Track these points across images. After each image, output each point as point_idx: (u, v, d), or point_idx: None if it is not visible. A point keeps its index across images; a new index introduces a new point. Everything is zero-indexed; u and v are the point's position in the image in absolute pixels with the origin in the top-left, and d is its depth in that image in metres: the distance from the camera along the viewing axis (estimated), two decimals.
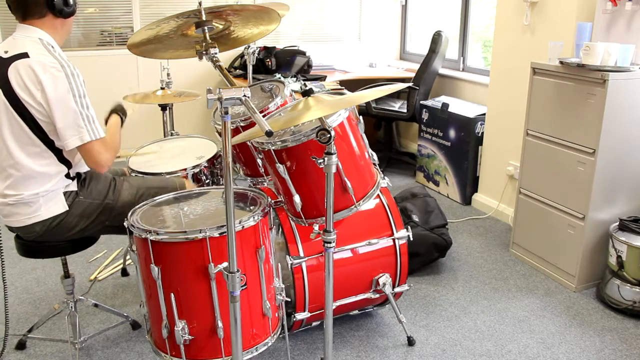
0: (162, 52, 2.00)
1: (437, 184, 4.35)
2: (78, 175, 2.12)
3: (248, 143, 2.31)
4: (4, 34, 4.47)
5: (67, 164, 2.05)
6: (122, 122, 2.24)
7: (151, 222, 1.84)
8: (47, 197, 2.02)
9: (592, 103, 2.68)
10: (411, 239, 2.41)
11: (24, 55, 1.91)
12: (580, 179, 2.79)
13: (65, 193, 2.06)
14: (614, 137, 2.70)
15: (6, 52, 1.95)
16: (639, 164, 2.83)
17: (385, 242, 2.37)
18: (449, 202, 4.14)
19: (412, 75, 4.53)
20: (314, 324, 2.39)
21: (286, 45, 4.97)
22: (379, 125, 5.14)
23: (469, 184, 4.05)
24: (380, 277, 2.36)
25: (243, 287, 1.62)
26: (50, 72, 1.89)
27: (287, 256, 2.20)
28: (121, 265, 3.09)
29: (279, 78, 4.14)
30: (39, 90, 1.89)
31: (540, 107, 2.99)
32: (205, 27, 1.77)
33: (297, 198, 1.94)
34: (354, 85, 4.38)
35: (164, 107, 3.20)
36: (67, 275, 2.34)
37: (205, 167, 2.57)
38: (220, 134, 2.39)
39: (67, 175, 2.06)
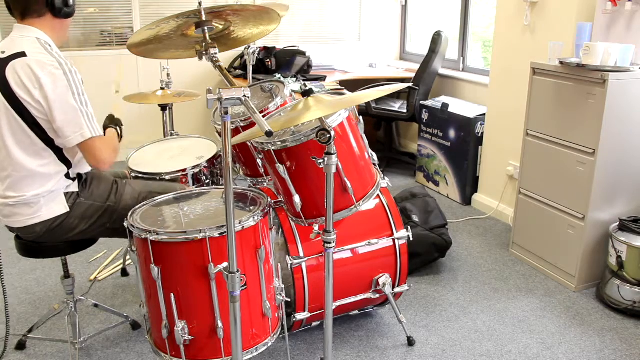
0: (162, 52, 2.00)
1: (437, 184, 4.35)
2: (79, 176, 2.12)
3: (248, 143, 2.31)
4: (4, 35, 4.47)
5: (67, 163, 2.05)
6: (120, 134, 2.24)
7: (151, 222, 1.84)
8: (48, 197, 2.02)
9: (592, 103, 2.68)
10: (411, 239, 2.41)
11: (22, 54, 1.91)
12: (580, 179, 2.79)
13: (66, 194, 2.06)
14: (614, 137, 2.70)
15: (3, 52, 1.95)
16: (639, 164, 2.83)
17: (385, 242, 2.37)
18: (449, 202, 4.14)
19: (412, 75, 4.53)
20: (314, 324, 2.39)
21: (286, 45, 4.97)
22: (379, 126, 5.14)
23: (469, 184, 4.05)
24: (380, 277, 2.36)
25: (243, 287, 1.62)
26: (49, 71, 1.89)
27: (287, 256, 2.20)
28: (121, 266, 3.09)
29: (279, 78, 4.14)
30: (36, 89, 1.89)
31: (540, 107, 2.99)
32: (205, 27, 1.77)
33: (297, 198, 1.94)
34: (354, 85, 4.38)
35: (164, 107, 3.20)
36: (67, 275, 2.34)
37: (205, 167, 2.57)
38: (220, 134, 2.39)
39: (67, 176, 2.06)
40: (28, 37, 1.96)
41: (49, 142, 1.98)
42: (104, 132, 2.18)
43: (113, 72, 4.75)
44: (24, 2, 1.97)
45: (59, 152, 2.02)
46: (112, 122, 2.25)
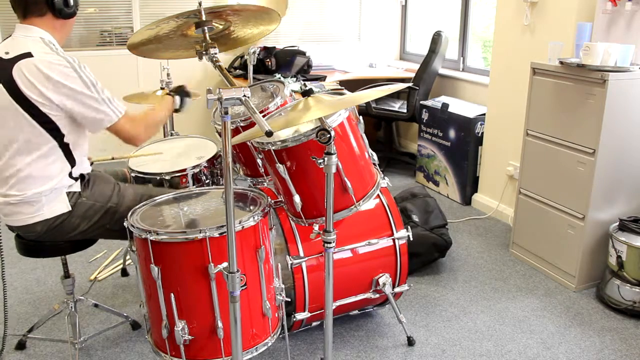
0: (162, 52, 2.00)
1: (437, 184, 4.35)
2: (82, 176, 2.12)
3: (248, 143, 2.31)
4: (5, 34, 4.47)
5: (72, 161, 2.05)
6: (182, 103, 2.28)
7: (151, 222, 1.84)
8: (50, 196, 2.02)
9: (592, 103, 2.68)
10: (411, 239, 2.41)
11: (28, 55, 1.91)
12: (580, 179, 2.79)
13: (68, 193, 2.06)
14: (614, 137, 2.70)
15: (7, 53, 1.94)
16: (639, 164, 2.83)
17: (385, 242, 2.37)
18: (449, 202, 4.14)
19: (412, 75, 4.53)
20: (314, 324, 2.39)
21: (286, 45, 4.97)
22: (379, 125, 5.14)
23: (469, 184, 4.05)
24: (380, 277, 2.36)
25: (243, 287, 1.62)
26: (59, 70, 1.89)
27: (287, 256, 2.20)
28: (121, 265, 3.09)
29: (279, 78, 4.14)
30: (49, 89, 1.88)
31: (540, 107, 2.99)
32: (205, 27, 1.77)
33: (297, 198, 1.94)
34: (354, 85, 4.38)
35: None
36: (67, 275, 2.34)
37: (205, 167, 2.57)
38: (220, 134, 2.39)
39: (70, 175, 2.06)
40: (31, 37, 1.96)
41: (59, 138, 1.98)
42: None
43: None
44: (24, 1, 1.97)
45: (66, 149, 2.02)
46: (178, 92, 2.29)
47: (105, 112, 1.97)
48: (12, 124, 1.95)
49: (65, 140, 2.00)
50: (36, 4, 1.96)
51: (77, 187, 2.09)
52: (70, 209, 2.06)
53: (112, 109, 1.98)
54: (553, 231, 2.99)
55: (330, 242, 1.84)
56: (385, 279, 2.36)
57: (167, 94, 2.31)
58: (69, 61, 1.92)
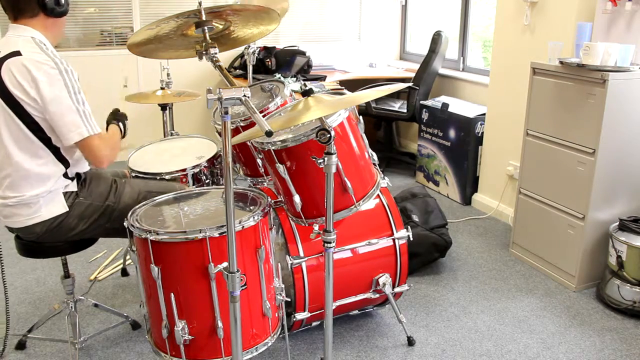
0: (162, 52, 2.00)
1: (437, 184, 4.35)
2: (78, 176, 2.12)
3: (248, 143, 2.31)
4: (3, 35, 4.47)
5: (65, 163, 2.05)
6: (123, 130, 2.22)
7: (151, 222, 1.84)
8: (47, 198, 2.02)
9: (592, 103, 2.68)
10: (411, 239, 2.41)
11: (17, 53, 1.92)
12: (580, 179, 2.79)
13: (65, 194, 2.06)
14: (614, 137, 2.70)
15: None
16: (639, 164, 2.83)
17: (385, 242, 2.37)
18: (449, 202, 4.14)
19: (412, 75, 4.53)
20: (314, 324, 2.39)
21: (286, 45, 4.97)
22: (379, 125, 5.14)
23: (469, 184, 4.05)
24: (380, 277, 2.36)
25: (243, 287, 1.62)
26: (44, 70, 1.89)
27: (287, 256, 2.20)
28: (121, 265, 3.09)
29: (279, 78, 4.14)
30: (33, 88, 1.89)
31: (540, 107, 2.99)
32: (205, 27, 1.77)
33: (297, 198, 1.94)
34: (354, 85, 4.38)
35: (164, 107, 3.20)
36: (67, 275, 2.34)
37: (205, 167, 2.57)
38: (220, 134, 2.39)
39: (66, 175, 2.06)
40: (23, 36, 1.97)
41: (46, 140, 1.98)
42: (107, 128, 2.18)
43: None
44: (16, 3, 1.97)
45: (56, 151, 2.02)
46: (115, 117, 2.24)
47: (78, 124, 1.94)
48: (3, 123, 1.95)
49: (54, 142, 2.00)
50: (28, 4, 1.96)
51: (73, 186, 2.09)
52: (67, 209, 2.06)
53: (86, 124, 1.96)
54: (553, 231, 2.99)
55: (330, 242, 1.84)
56: (385, 279, 2.36)
57: (111, 122, 2.21)
58: (57, 63, 1.92)
